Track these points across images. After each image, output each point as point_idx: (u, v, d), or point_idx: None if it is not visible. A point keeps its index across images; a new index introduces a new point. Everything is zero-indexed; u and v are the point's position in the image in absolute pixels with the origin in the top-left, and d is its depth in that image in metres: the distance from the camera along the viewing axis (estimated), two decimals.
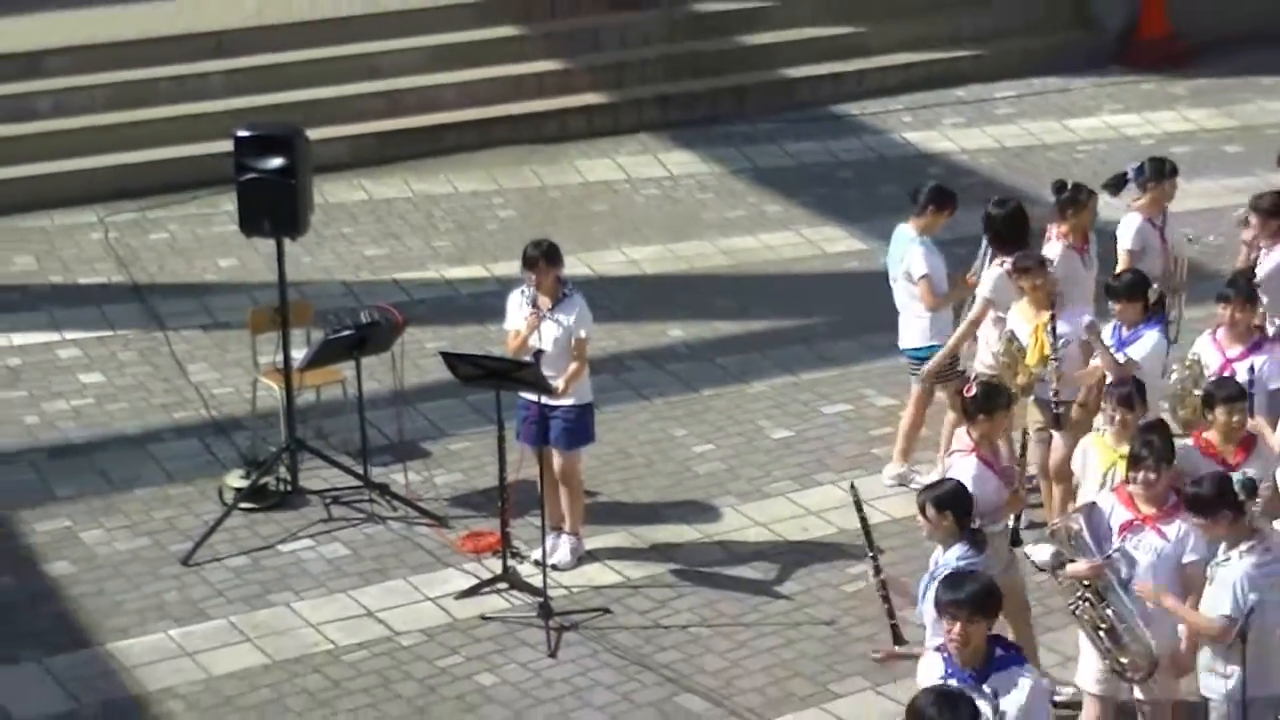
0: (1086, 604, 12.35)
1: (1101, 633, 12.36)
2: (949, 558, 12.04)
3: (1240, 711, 12.01)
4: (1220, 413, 13.31)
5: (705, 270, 20.76)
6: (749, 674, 14.22)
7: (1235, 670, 11.95)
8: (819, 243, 21.55)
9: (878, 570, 12.64)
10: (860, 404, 18.03)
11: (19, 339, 19.17)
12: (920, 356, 16.36)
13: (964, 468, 13.18)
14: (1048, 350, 15.22)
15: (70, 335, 19.27)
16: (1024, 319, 15.48)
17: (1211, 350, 14.90)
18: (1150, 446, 12.59)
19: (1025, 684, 10.55)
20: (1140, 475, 12.41)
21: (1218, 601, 11.95)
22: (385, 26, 24.46)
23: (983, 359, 15.90)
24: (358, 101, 23.60)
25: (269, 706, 14.02)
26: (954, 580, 10.71)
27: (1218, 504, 11.91)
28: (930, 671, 10.58)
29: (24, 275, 20.61)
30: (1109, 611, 12.31)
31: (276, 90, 23.13)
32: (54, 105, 22.93)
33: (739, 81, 25.18)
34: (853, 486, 13.20)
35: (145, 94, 23.12)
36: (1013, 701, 10.48)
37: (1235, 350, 14.72)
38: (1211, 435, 13.44)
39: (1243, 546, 11.97)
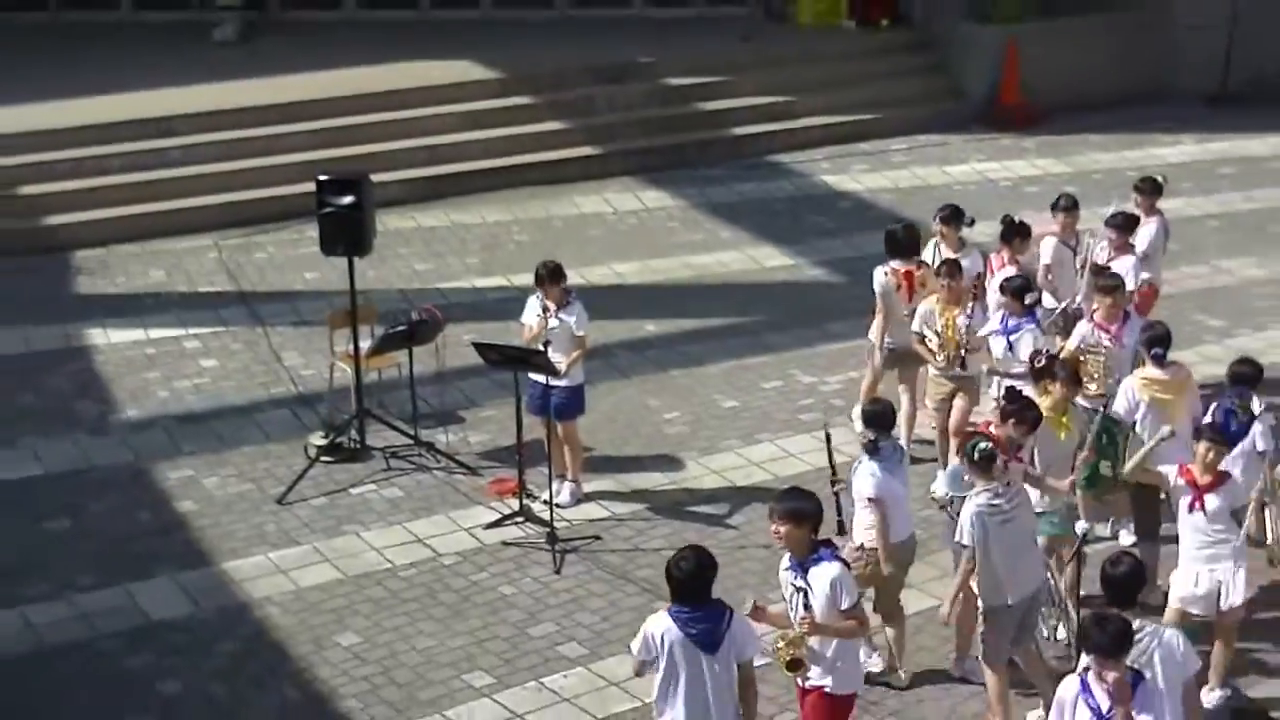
0: None
1: None
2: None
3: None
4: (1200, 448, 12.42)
5: (673, 281, 20.71)
6: None
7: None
8: (758, 259, 21.49)
9: (834, 483, 12.56)
10: (790, 381, 17.99)
11: (154, 334, 19.09)
12: None
13: None
14: (957, 337, 15.28)
15: (192, 331, 19.21)
16: (938, 312, 15.46)
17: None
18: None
19: (830, 565, 10.65)
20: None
21: (961, 531, 12.09)
22: (428, 97, 24.44)
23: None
24: (408, 154, 23.52)
25: (343, 611, 14.00)
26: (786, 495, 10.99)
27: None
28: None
29: (158, 286, 20.54)
30: None
31: (348, 145, 23.10)
32: (181, 156, 22.88)
33: (699, 137, 25.14)
34: (826, 432, 13.01)
35: (249, 149, 23.07)
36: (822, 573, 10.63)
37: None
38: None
39: (977, 489, 12.01)
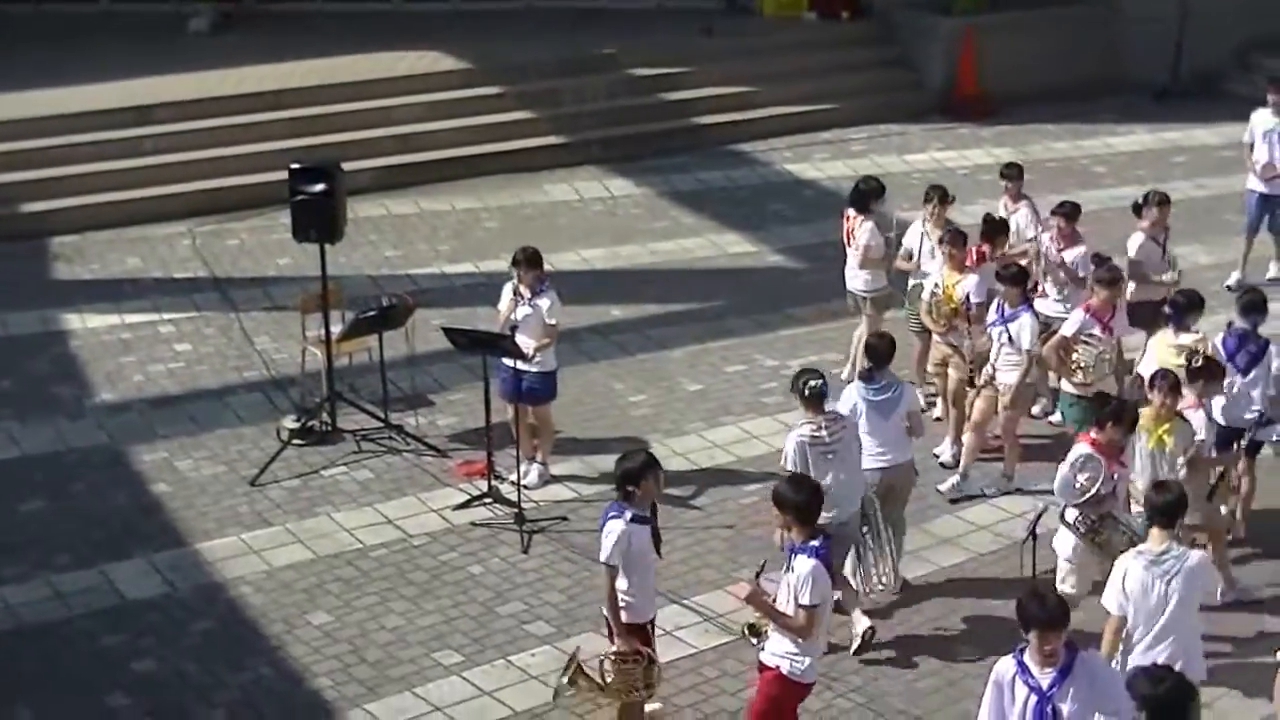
0: None
1: None
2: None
3: None
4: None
5: (638, 266, 20.66)
6: (671, 565, 14.11)
7: None
8: (722, 245, 21.46)
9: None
10: (752, 365, 17.97)
11: (130, 319, 19.01)
12: None
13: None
14: (956, 304, 15.45)
15: (167, 316, 19.13)
16: (943, 279, 15.60)
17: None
18: None
19: (808, 560, 10.60)
20: None
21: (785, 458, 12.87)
22: (399, 87, 24.36)
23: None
24: (379, 142, 23.44)
25: (315, 590, 13.95)
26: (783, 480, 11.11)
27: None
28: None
29: (134, 271, 20.44)
30: None
31: (320, 134, 23.01)
32: (156, 145, 22.76)
33: (663, 127, 25.09)
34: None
35: (223, 137, 22.96)
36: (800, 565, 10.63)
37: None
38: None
39: (801, 421, 12.80)
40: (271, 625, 13.47)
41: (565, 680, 11.44)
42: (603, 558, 11.49)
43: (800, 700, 11.11)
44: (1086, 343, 14.65)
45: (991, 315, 15.23)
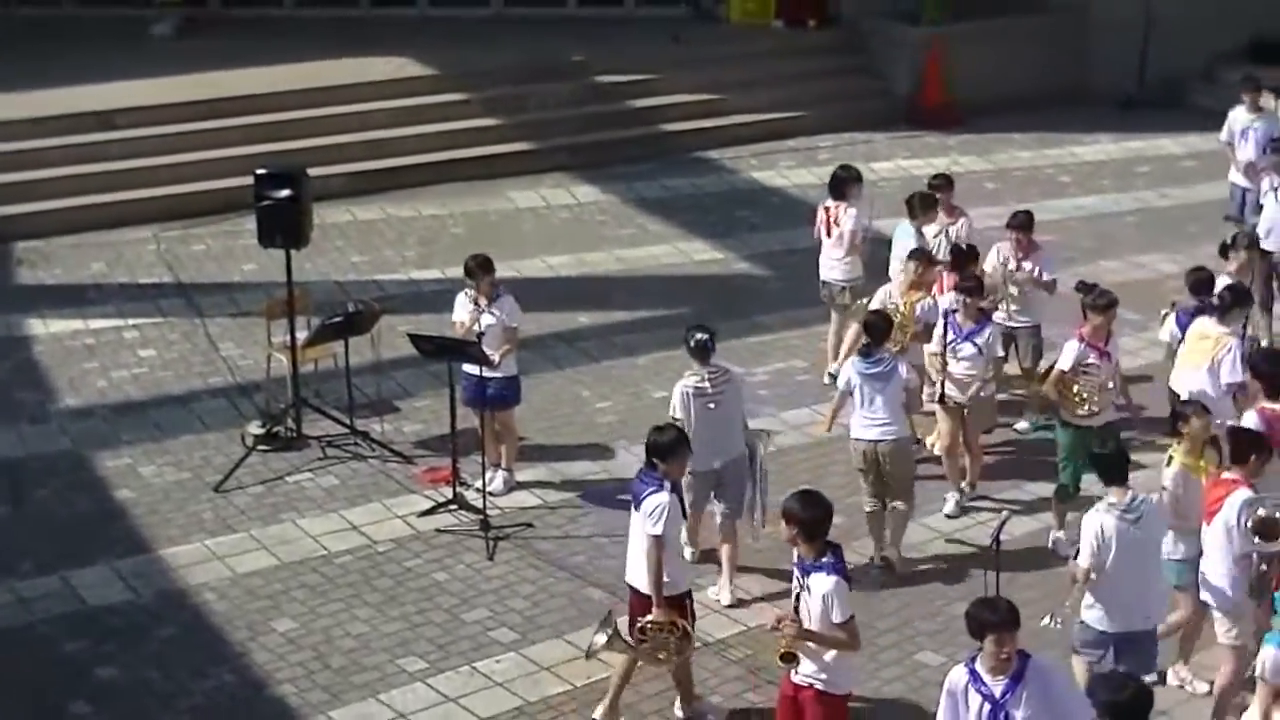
0: None
1: None
2: None
3: None
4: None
5: (604, 273, 20.65)
6: None
7: None
8: (688, 253, 21.47)
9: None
10: None
11: (94, 324, 18.96)
12: None
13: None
14: (911, 325, 15.50)
15: (131, 321, 19.08)
16: (901, 297, 15.64)
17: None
18: None
19: (826, 578, 10.55)
20: None
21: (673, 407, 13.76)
22: (366, 93, 24.35)
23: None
24: (346, 148, 23.39)
25: (280, 596, 13.92)
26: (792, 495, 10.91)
27: None
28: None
29: (98, 277, 20.38)
30: None
31: (286, 139, 22.94)
32: (121, 150, 22.70)
33: (629, 134, 25.08)
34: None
35: (188, 142, 22.92)
36: (818, 584, 10.60)
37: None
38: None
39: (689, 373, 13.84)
40: (235, 632, 13.43)
41: (601, 639, 11.66)
42: (651, 530, 11.72)
43: (845, 713, 11.10)
44: (1086, 373, 14.24)
45: (947, 333, 15.16)
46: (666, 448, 11.96)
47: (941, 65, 26.52)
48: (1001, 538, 11.83)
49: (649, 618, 11.78)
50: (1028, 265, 16.28)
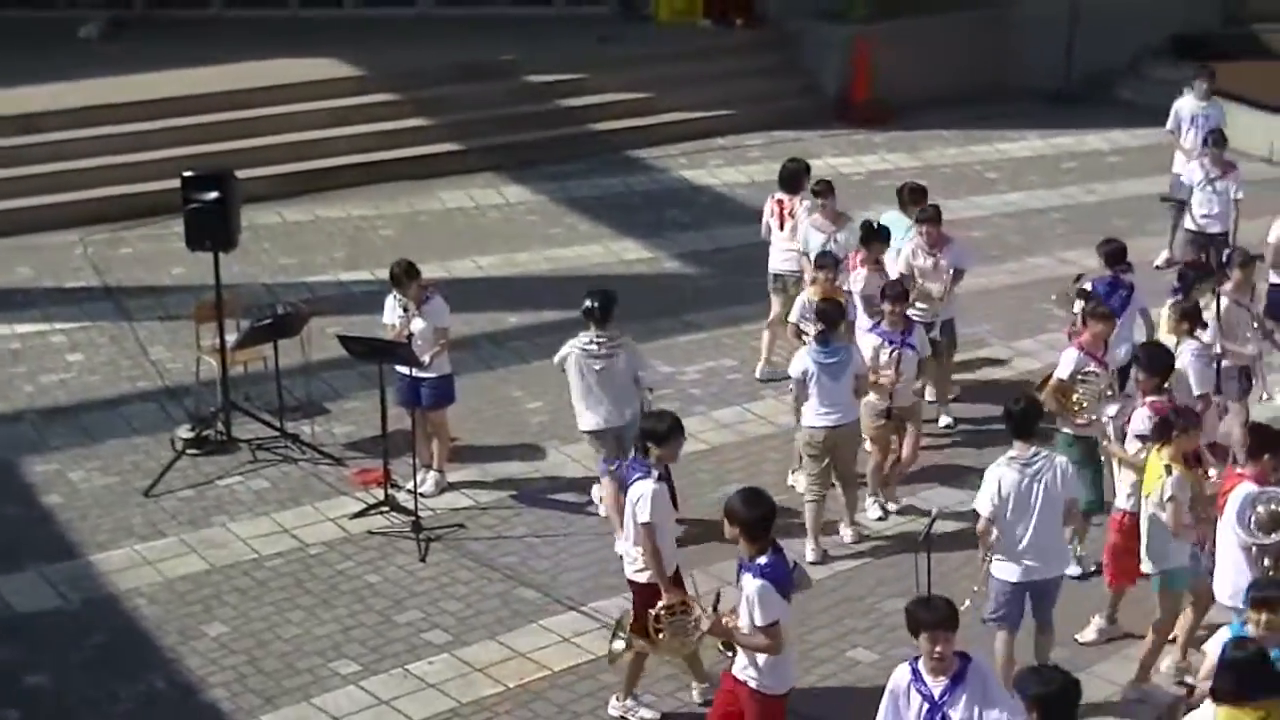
0: None
1: None
2: None
3: None
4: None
5: (534, 273, 20.63)
6: (569, 571, 14.21)
7: None
8: (618, 252, 21.48)
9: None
10: (649, 372, 17.96)
11: (20, 329, 18.83)
12: None
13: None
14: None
15: (59, 326, 18.96)
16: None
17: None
18: None
19: (753, 580, 10.55)
20: None
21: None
22: (293, 94, 24.25)
23: None
24: (273, 150, 23.29)
25: (211, 600, 13.85)
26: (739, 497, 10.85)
27: None
28: None
29: (25, 281, 20.25)
30: None
31: (213, 142, 22.82)
32: (46, 154, 22.55)
33: (559, 134, 25.06)
34: None
35: (115, 145, 22.79)
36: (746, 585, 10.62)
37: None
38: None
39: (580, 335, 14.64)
40: (166, 637, 13.35)
41: (620, 644, 11.59)
42: (641, 518, 11.82)
43: (784, 706, 11.06)
44: (1085, 381, 13.98)
45: (882, 346, 14.97)
46: (663, 434, 12.04)
47: (869, 63, 26.61)
48: (932, 533, 11.89)
49: (660, 604, 11.63)
50: (943, 260, 16.31)
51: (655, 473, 11.94)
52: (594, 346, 14.34)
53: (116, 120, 23.12)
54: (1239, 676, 9.37)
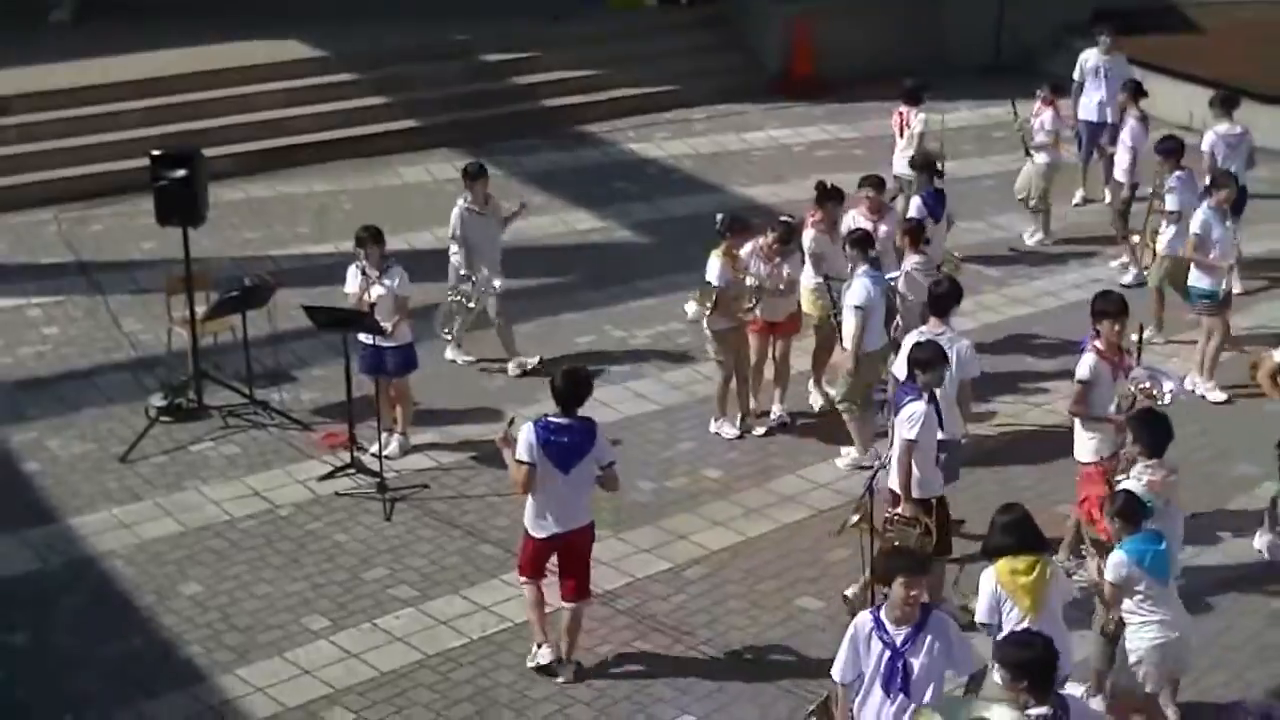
0: None
1: None
2: None
3: None
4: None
5: None
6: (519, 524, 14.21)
7: None
8: (571, 223, 21.46)
9: None
10: (602, 336, 18.01)
11: None
12: None
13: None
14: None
15: (34, 300, 18.85)
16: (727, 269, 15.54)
17: None
18: None
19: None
20: None
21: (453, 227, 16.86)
22: (256, 75, 24.12)
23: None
24: (238, 129, 23.17)
25: (185, 562, 13.83)
26: None
27: None
28: None
29: (1, 257, 20.10)
30: None
31: (180, 121, 22.73)
32: (19, 135, 22.39)
33: (513, 110, 25.01)
34: None
35: (85, 126, 22.64)
36: None
37: None
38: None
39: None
40: (143, 597, 13.33)
41: (854, 519, 12.14)
42: (906, 434, 12.21)
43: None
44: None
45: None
46: (926, 361, 12.37)
47: (808, 39, 26.63)
48: (874, 488, 11.95)
49: (895, 511, 12.30)
50: (882, 227, 16.35)
51: (925, 395, 12.29)
52: (475, 207, 16.83)
53: (87, 102, 22.95)
54: (1006, 532, 10.61)
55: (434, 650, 12.63)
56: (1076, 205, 21.39)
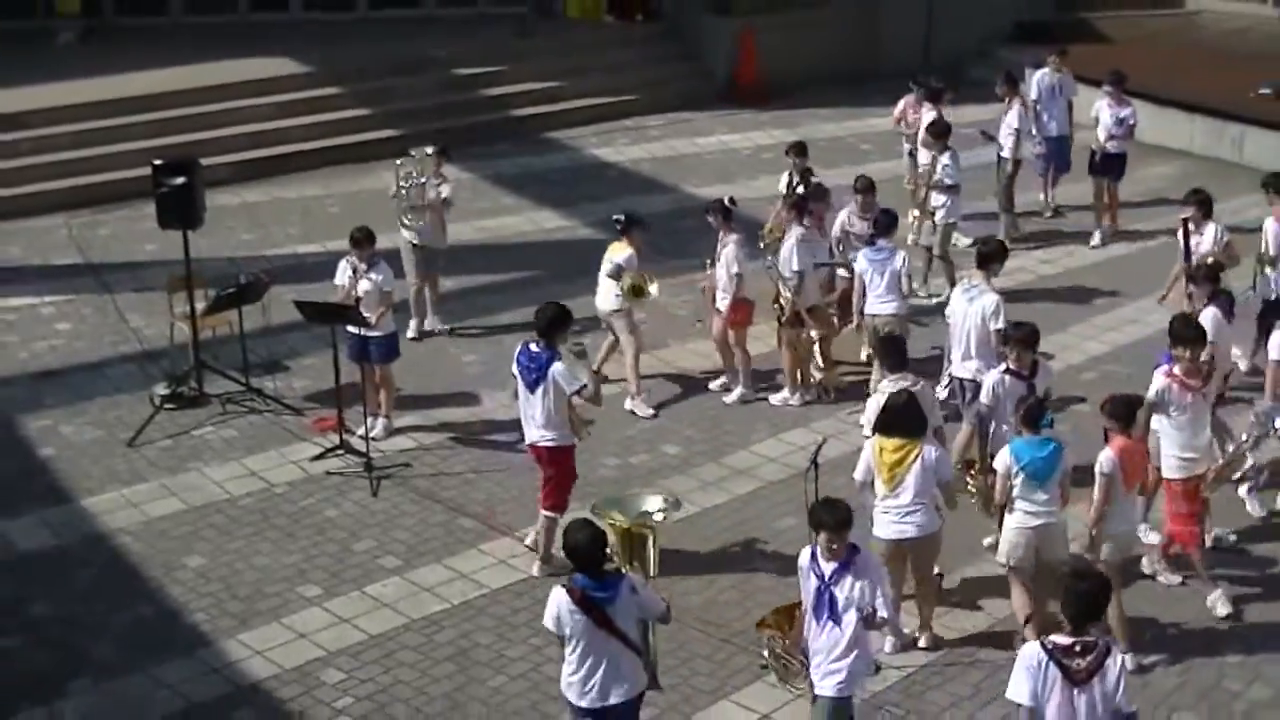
0: None
1: None
2: None
3: None
4: None
5: (466, 242, 20.45)
6: (503, 503, 14.24)
7: None
8: (539, 222, 21.47)
9: None
10: None
11: (14, 302, 18.67)
12: None
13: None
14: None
15: (48, 299, 18.78)
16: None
17: None
18: None
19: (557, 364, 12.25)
20: None
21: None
22: (249, 90, 24.08)
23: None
24: (233, 139, 23.14)
25: (189, 537, 13.80)
26: None
27: None
28: None
29: (16, 260, 20.03)
30: None
31: (180, 133, 22.66)
32: (32, 147, 22.31)
33: (485, 119, 25.02)
34: None
35: (92, 138, 22.55)
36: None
37: None
38: None
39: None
40: (151, 570, 13.29)
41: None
42: (985, 398, 12.77)
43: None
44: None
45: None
46: (1027, 338, 12.75)
47: (754, 51, 26.68)
48: (819, 461, 11.99)
49: (975, 466, 12.71)
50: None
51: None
52: (414, 180, 17.18)
53: (93, 116, 22.88)
54: (884, 413, 11.69)
55: (418, 615, 12.63)
56: (1094, 247, 20.47)
